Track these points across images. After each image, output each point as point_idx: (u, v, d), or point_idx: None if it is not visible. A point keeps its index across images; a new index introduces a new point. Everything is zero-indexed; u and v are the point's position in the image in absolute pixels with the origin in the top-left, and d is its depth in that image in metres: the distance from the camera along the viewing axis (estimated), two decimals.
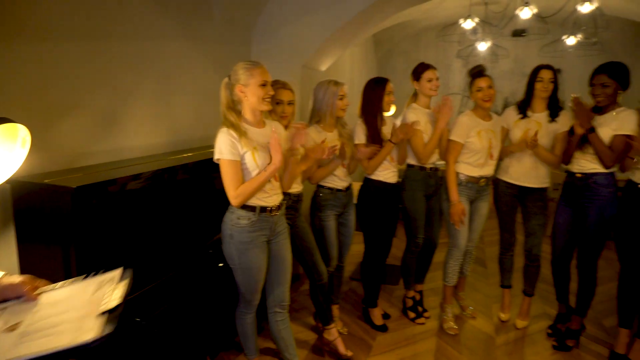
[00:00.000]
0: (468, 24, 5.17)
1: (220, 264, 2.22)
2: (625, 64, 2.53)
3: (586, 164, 2.62)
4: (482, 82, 2.74)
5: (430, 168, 2.93)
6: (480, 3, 5.51)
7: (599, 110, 2.60)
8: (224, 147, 1.96)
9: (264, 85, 1.99)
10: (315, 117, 2.66)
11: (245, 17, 3.39)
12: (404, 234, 3.14)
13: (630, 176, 2.52)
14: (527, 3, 4.58)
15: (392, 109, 5.55)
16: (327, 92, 2.59)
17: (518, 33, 6.60)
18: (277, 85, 2.42)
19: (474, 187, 2.84)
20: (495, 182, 3.01)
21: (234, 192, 1.99)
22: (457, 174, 2.85)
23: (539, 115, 2.79)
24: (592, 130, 2.51)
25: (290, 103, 2.47)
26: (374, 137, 2.72)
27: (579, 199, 2.66)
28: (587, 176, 2.61)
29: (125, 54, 2.33)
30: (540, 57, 6.24)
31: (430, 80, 2.86)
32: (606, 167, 2.55)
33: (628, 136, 2.45)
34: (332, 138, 2.65)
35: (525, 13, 4.63)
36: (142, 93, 2.48)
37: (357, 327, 3.07)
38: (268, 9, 3.48)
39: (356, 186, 2.96)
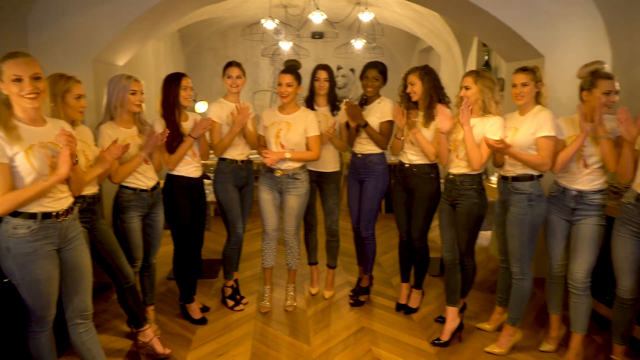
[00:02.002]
0: (269, 25, 5.45)
1: (5, 279, 1.95)
2: (384, 64, 3.09)
3: (363, 146, 3.09)
4: (280, 79, 2.91)
5: (242, 161, 3.05)
6: (279, 5, 5.86)
7: (365, 101, 3.11)
8: None
9: (17, 80, 1.77)
10: (109, 113, 2.55)
11: (15, 1, 2.97)
12: (222, 228, 3.21)
13: (399, 157, 3.04)
14: (317, 8, 5.05)
15: (204, 105, 5.54)
16: (118, 86, 2.51)
17: (316, 35, 7.21)
18: (74, 79, 2.26)
19: (271, 177, 3.01)
20: None
21: None
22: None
23: (323, 109, 3.16)
24: (366, 124, 2.99)
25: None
26: (173, 132, 2.72)
27: (360, 175, 3.14)
28: (365, 156, 3.10)
29: None
30: (335, 57, 6.94)
31: (229, 77, 2.98)
32: (383, 149, 3.07)
33: (389, 122, 3.00)
34: (131, 134, 2.57)
35: (317, 18, 5.10)
36: None
37: (175, 324, 3.02)
38: None
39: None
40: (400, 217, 3.08)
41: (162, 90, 2.76)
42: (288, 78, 2.88)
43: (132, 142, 2.55)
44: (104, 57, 3.39)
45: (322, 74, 3.08)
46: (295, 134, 2.92)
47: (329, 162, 3.19)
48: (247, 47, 7.66)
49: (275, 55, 6.91)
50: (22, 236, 1.82)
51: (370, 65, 3.04)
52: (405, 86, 2.88)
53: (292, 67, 2.99)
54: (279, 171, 2.96)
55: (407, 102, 2.90)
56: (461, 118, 2.52)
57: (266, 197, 3.03)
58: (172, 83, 2.73)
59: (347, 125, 3.08)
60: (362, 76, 3.08)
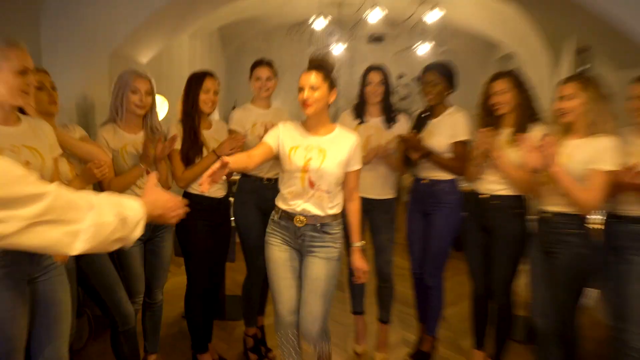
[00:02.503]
0: (319, 23, 5.22)
1: None
2: (451, 64, 2.80)
3: (430, 170, 2.73)
4: (301, 80, 2.18)
5: (269, 179, 2.76)
6: (333, 4, 5.63)
7: (429, 112, 2.77)
8: None
9: (23, 72, 1.63)
10: (112, 113, 2.41)
11: None
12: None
13: (474, 185, 2.63)
14: (374, 5, 4.76)
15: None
16: (119, 82, 2.37)
17: (374, 38, 6.95)
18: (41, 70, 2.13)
19: (287, 226, 2.31)
20: None
21: None
22: None
23: (375, 120, 2.84)
24: (429, 154, 2.66)
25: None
26: (191, 140, 2.52)
27: (425, 205, 2.79)
28: (432, 182, 2.74)
29: None
30: (396, 63, 6.63)
31: (258, 79, 2.76)
32: (458, 175, 2.72)
33: (464, 142, 2.64)
34: (134, 141, 2.41)
35: (375, 15, 4.81)
36: None
37: None
38: None
39: None
40: (475, 264, 2.66)
41: (184, 91, 2.59)
42: (313, 78, 2.12)
43: (134, 150, 2.42)
44: (123, 52, 3.26)
45: (375, 77, 2.75)
46: (332, 166, 2.17)
47: (382, 187, 2.83)
48: (295, 50, 7.44)
49: None
50: None
51: (428, 68, 2.76)
52: (486, 95, 2.51)
53: (319, 63, 2.23)
54: (301, 218, 2.21)
55: (486, 117, 2.54)
56: (544, 158, 2.12)
57: (278, 256, 2.27)
58: (192, 83, 2.56)
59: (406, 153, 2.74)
60: (420, 82, 2.80)
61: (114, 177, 2.33)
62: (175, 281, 3.63)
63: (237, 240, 3.05)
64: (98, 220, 1.08)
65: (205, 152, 2.56)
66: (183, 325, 3.33)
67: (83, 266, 2.19)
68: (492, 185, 2.52)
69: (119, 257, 2.37)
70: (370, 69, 2.80)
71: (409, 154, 2.70)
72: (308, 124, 2.26)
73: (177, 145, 2.52)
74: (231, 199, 2.85)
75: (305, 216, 2.19)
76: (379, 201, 2.83)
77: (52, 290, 1.80)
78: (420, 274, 2.86)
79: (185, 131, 2.53)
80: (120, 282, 2.30)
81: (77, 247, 1.06)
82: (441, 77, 2.69)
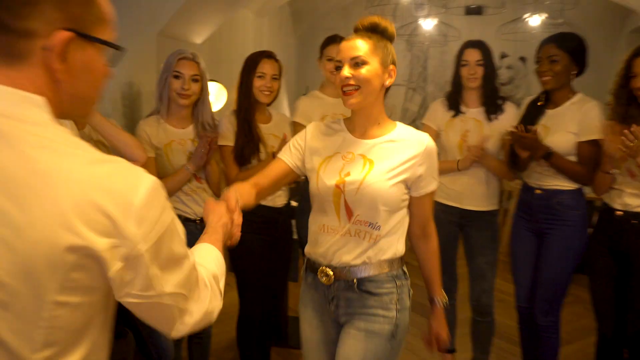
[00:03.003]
0: None
1: None
2: (578, 36, 2.56)
3: (546, 178, 2.56)
4: (343, 51, 1.63)
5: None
6: None
7: (545, 99, 2.57)
8: None
9: None
10: (157, 104, 2.45)
11: None
12: None
13: (605, 198, 2.45)
14: None
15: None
16: (164, 66, 2.37)
17: (472, 10, 6.69)
18: None
19: (316, 284, 1.78)
20: None
21: None
22: None
23: (474, 111, 2.71)
24: (550, 154, 2.45)
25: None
26: (246, 137, 2.47)
27: (539, 222, 2.61)
28: (549, 194, 2.55)
29: None
30: (499, 40, 6.35)
31: (330, 59, 2.69)
32: (583, 185, 2.55)
33: (595, 141, 2.42)
34: (180, 137, 2.43)
35: None
36: None
37: None
38: None
39: None
40: (603, 299, 2.49)
41: (238, 77, 2.58)
42: (359, 46, 1.57)
43: (182, 149, 2.42)
44: (171, 31, 3.28)
45: (473, 55, 2.63)
46: (381, 181, 1.60)
47: (482, 196, 2.72)
48: None
49: (412, 36, 6.48)
50: None
51: (547, 41, 2.55)
52: (626, 77, 2.27)
53: (370, 26, 1.62)
54: (326, 272, 1.66)
55: (625, 106, 2.31)
56: None
57: (309, 336, 1.80)
58: (246, 67, 2.52)
59: (512, 150, 2.55)
60: (536, 59, 2.61)
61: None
62: (230, 296, 3.58)
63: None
64: (207, 302, 0.98)
65: (262, 151, 2.51)
66: (237, 351, 3.32)
67: None
68: (632, 199, 2.34)
69: None
70: (466, 46, 2.72)
71: (521, 153, 2.51)
72: (353, 122, 1.72)
73: (230, 141, 2.48)
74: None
75: (335, 268, 1.64)
76: (477, 213, 2.73)
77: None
78: (528, 308, 2.67)
79: (239, 125, 2.48)
80: None
81: (181, 330, 0.94)
82: (564, 52, 2.47)
